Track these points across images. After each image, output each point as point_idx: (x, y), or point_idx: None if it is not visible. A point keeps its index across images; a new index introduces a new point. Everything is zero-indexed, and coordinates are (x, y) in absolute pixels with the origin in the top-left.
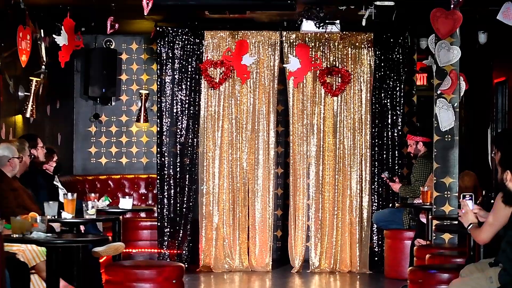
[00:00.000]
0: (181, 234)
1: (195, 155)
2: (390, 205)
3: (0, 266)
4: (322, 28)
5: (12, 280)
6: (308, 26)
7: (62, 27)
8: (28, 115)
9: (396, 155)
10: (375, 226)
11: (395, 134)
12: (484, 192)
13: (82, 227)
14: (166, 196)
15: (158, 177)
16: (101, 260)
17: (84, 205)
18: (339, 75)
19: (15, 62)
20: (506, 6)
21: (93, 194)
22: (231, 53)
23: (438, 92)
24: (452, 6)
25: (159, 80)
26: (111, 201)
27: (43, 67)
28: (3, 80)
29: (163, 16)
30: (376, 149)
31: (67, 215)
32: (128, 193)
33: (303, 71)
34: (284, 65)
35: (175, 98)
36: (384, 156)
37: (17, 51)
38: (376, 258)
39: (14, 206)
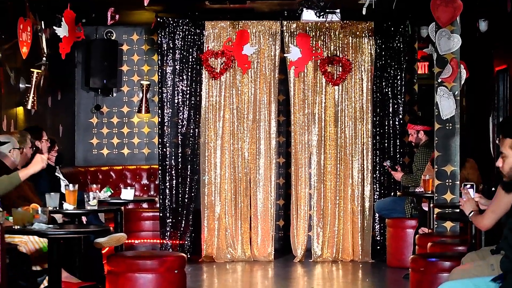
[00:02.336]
0: (183, 225)
1: (196, 145)
2: (392, 193)
3: (1, 257)
4: (323, 18)
5: (14, 271)
6: (308, 15)
7: (63, 18)
8: (29, 107)
9: (398, 143)
10: (377, 215)
11: (397, 123)
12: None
13: (84, 218)
14: (168, 186)
15: (160, 167)
16: (103, 251)
17: (85, 196)
18: (340, 64)
19: (15, 54)
20: None
21: (94, 185)
22: (231, 43)
23: (439, 80)
24: None
25: (160, 70)
26: (112, 192)
27: (44, 58)
28: (4, 72)
29: (163, 6)
30: (377, 138)
31: (68, 206)
32: (130, 184)
33: (304, 60)
34: (285, 55)
35: (176, 88)
36: (386, 145)
37: (17, 43)
38: (378, 247)
39: (15, 197)
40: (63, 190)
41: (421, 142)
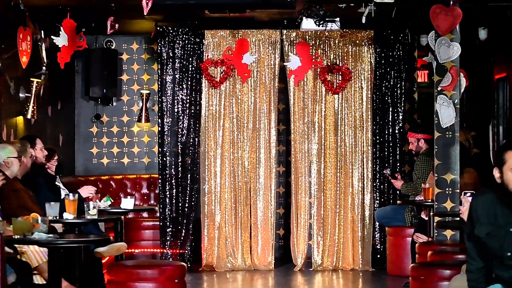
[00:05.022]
0: (183, 234)
1: (196, 154)
2: (391, 202)
3: (1, 267)
4: (322, 26)
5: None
6: (308, 24)
7: (61, 28)
8: (29, 116)
9: (398, 152)
10: (377, 223)
11: (396, 131)
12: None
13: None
14: (168, 195)
15: (160, 177)
16: (103, 261)
17: (85, 205)
18: (340, 73)
19: (15, 64)
20: None
21: (94, 195)
22: (231, 52)
23: (439, 88)
24: (451, 2)
25: (160, 80)
26: (113, 201)
27: (44, 68)
28: (4, 82)
29: (163, 15)
30: (377, 146)
31: (68, 216)
32: (130, 193)
33: (303, 69)
34: (284, 64)
35: (176, 97)
36: (386, 153)
37: (17, 52)
38: (378, 256)
39: (15, 207)
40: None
41: (421, 151)
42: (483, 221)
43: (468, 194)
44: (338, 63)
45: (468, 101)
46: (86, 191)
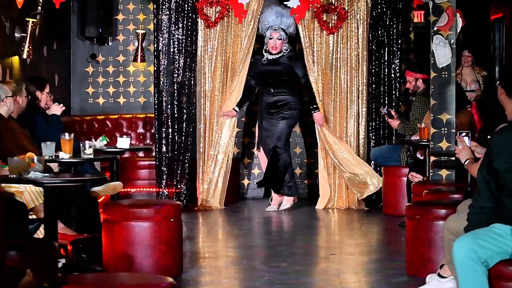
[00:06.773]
0: (179, 173)
1: (192, 94)
2: (387, 141)
3: None
4: None
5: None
6: None
7: None
8: (24, 56)
9: (393, 92)
10: (373, 162)
11: (392, 72)
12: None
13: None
14: (164, 135)
15: (156, 116)
16: (99, 200)
17: (81, 145)
18: (335, 13)
19: (11, 4)
20: None
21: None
22: None
23: (435, 29)
24: None
25: (155, 19)
26: (108, 140)
27: (39, 8)
28: None
29: None
30: (373, 86)
31: (64, 155)
32: (126, 132)
33: (303, 7)
34: (285, 3)
35: (171, 37)
36: (381, 93)
37: None
38: (374, 195)
39: (11, 146)
40: None
41: (418, 91)
42: (504, 156)
43: (463, 134)
44: (333, 3)
45: (464, 42)
46: (58, 108)
